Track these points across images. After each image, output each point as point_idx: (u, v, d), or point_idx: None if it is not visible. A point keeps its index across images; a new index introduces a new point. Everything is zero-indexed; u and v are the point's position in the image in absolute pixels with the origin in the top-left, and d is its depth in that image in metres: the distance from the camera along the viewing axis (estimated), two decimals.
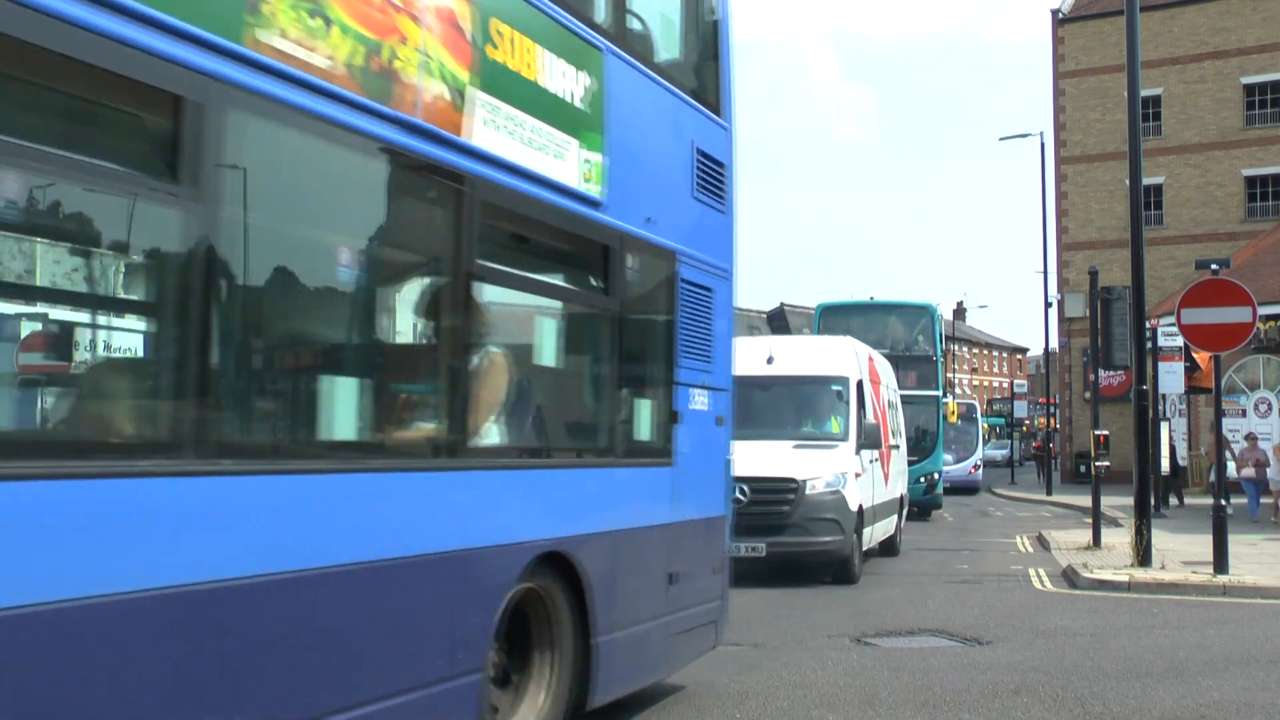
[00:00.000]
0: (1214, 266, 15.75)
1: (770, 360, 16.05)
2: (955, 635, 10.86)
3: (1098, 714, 7.73)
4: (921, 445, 28.09)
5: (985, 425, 50.65)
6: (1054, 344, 47.16)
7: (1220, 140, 44.79)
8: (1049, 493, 38.27)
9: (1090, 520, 19.44)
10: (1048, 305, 43.14)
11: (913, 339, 29.78)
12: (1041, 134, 42.87)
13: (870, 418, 16.24)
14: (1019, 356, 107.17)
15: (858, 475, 15.15)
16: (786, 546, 14.31)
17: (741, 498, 13.38)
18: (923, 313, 30.20)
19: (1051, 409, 55.65)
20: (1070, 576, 15.21)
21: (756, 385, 15.50)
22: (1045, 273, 42.66)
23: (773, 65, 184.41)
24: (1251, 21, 44.60)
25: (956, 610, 12.51)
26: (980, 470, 43.69)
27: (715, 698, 8.17)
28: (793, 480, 14.45)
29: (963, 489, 40.43)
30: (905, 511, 20.19)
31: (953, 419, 31.06)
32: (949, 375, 35.69)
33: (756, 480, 13.98)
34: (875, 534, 16.67)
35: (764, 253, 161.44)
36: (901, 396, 27.70)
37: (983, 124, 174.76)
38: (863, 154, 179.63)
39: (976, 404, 50.51)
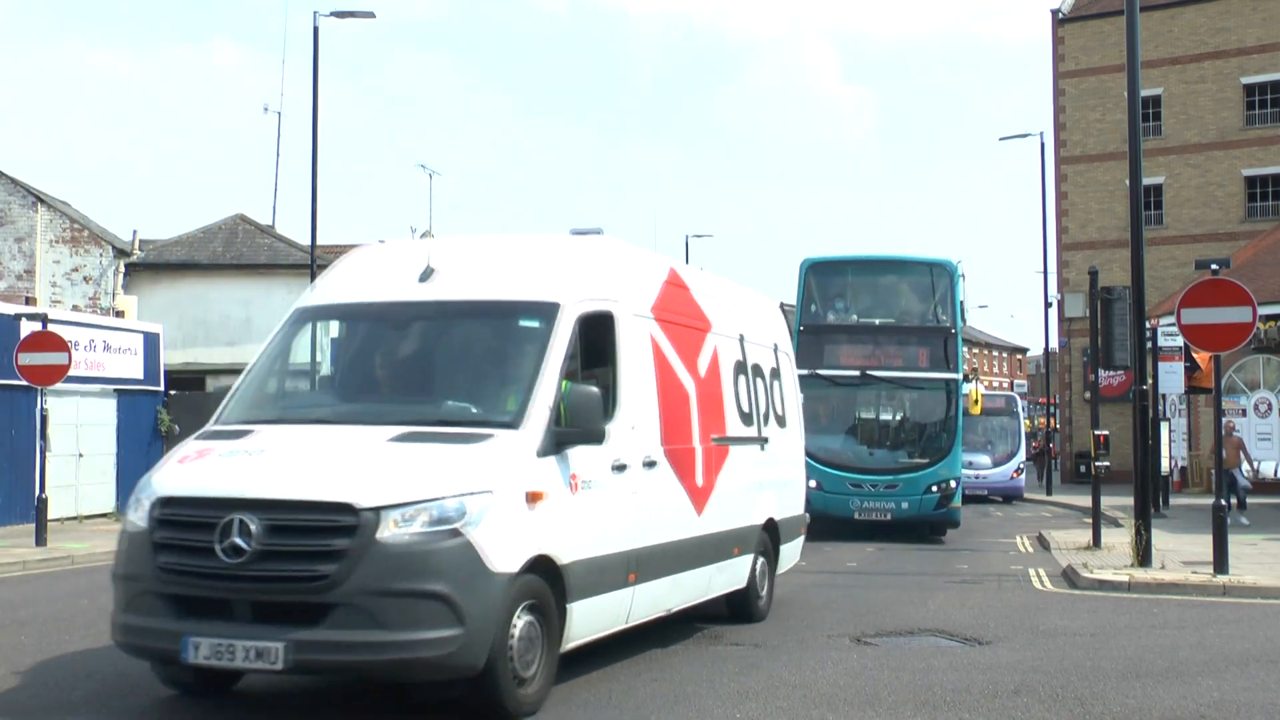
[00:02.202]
0: (1214, 266, 15.73)
1: (426, 275, 8.78)
2: (955, 635, 10.85)
3: (1098, 714, 7.73)
4: (934, 444, 22.04)
5: (1028, 422, 40.09)
6: (1054, 344, 47.17)
7: (1220, 140, 44.80)
8: (1049, 493, 38.24)
9: (1090, 520, 19.44)
10: (1048, 305, 43.13)
11: (925, 306, 23.10)
12: (1041, 134, 42.84)
13: (624, 383, 8.72)
14: (1019, 356, 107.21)
15: (537, 498, 7.59)
16: (327, 652, 6.90)
17: (242, 544, 6.98)
18: (939, 272, 23.00)
19: (1051, 409, 55.66)
20: (1070, 576, 15.20)
21: (388, 321, 8.82)
22: (1045, 273, 42.64)
23: (773, 65, 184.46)
24: (1251, 21, 44.62)
25: (956, 610, 12.49)
26: (1023, 475, 36.89)
27: (715, 698, 8.17)
28: (348, 509, 7.04)
29: (1003, 497, 35.73)
30: (791, 546, 12.81)
31: (974, 410, 24.20)
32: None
33: (272, 507, 7.11)
34: (645, 603, 9.07)
35: (764, 253, 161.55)
36: (909, 381, 22.16)
37: (983, 124, 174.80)
38: (863, 154, 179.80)
39: (1018, 397, 41.45)
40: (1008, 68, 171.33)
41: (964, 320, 23.28)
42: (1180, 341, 24.22)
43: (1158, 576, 14.53)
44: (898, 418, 23.06)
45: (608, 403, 8.41)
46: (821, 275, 23.01)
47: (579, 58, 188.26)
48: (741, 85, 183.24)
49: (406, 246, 9.76)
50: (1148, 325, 19.34)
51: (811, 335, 22.27)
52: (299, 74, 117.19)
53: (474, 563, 7.13)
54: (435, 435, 7.65)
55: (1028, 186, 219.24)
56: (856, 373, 21.79)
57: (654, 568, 9.11)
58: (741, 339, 11.70)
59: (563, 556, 7.82)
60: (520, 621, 7.46)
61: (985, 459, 35.18)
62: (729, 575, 10.95)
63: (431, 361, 8.65)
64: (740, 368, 11.50)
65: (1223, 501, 14.91)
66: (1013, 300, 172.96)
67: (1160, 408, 29.53)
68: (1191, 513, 24.50)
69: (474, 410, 8.09)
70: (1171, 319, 18.65)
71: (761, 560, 11.74)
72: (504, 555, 7.29)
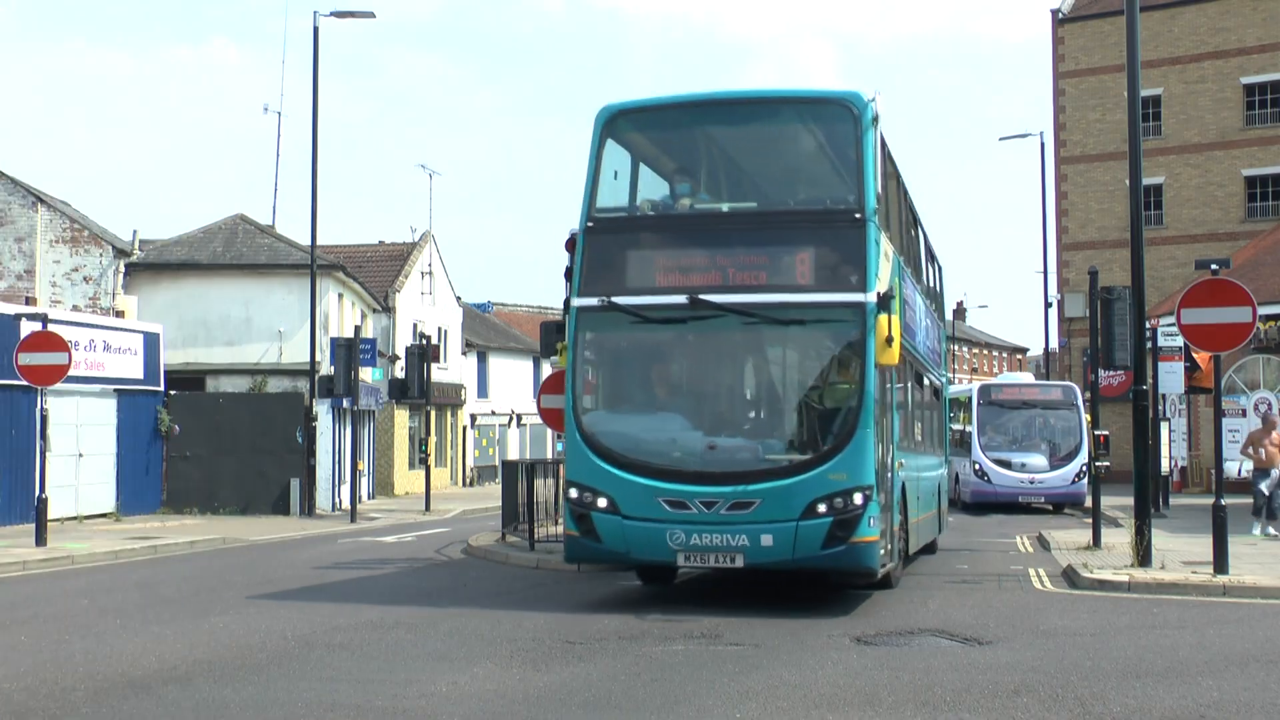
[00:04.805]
0: (1214, 266, 15.73)
1: None
2: (955, 635, 10.85)
3: (1098, 714, 7.73)
4: (822, 427, 12.07)
5: (1088, 416, 29.46)
6: (1054, 344, 47.19)
7: (1220, 140, 44.83)
8: None
9: (1090, 520, 19.44)
10: (1048, 305, 43.16)
11: (811, 176, 13.69)
12: (1041, 134, 42.93)
13: None
14: (1019, 356, 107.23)
15: None
16: None
17: None
18: (833, 115, 12.82)
19: None
20: (1070, 576, 15.20)
21: None
22: (1045, 273, 42.76)
23: (771, 65, 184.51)
24: (1251, 21, 44.65)
25: (956, 610, 12.49)
26: (1085, 478, 28.57)
27: (715, 698, 8.17)
28: None
29: (1054, 505, 30.07)
30: None
31: (888, 356, 11.77)
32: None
33: None
34: None
35: None
36: (778, 309, 12.21)
37: (983, 124, 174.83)
38: None
39: (1076, 387, 33.25)
40: (1008, 68, 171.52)
41: (888, 202, 13.24)
42: (1180, 341, 24.20)
43: (1158, 576, 14.53)
44: (756, 380, 13.19)
45: None
46: (631, 130, 13.50)
47: (578, 58, 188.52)
48: (740, 85, 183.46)
49: None
50: (1148, 325, 19.32)
51: (608, 236, 12.92)
52: (299, 74, 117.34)
53: None
54: None
55: (1028, 186, 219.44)
56: (684, 299, 12.32)
57: None
58: None
59: None
60: None
61: (1041, 460, 29.95)
62: None
63: None
64: None
65: (1224, 502, 14.86)
66: (1013, 300, 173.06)
67: (1160, 408, 29.51)
68: (1191, 513, 24.48)
69: None
70: (1171, 319, 18.65)
71: None
72: None
